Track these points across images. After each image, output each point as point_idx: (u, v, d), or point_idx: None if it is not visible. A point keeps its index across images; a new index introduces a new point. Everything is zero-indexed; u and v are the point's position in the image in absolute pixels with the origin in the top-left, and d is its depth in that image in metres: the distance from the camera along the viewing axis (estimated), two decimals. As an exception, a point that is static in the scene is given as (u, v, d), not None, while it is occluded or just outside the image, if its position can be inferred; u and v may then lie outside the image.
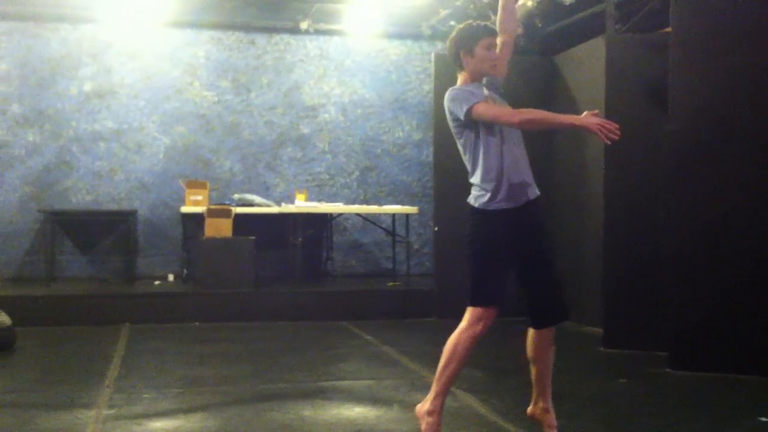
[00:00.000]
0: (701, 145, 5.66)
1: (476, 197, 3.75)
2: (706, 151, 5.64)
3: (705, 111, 5.65)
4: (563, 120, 3.79)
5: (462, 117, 3.67)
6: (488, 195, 3.70)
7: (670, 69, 5.76)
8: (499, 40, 3.88)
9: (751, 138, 5.54)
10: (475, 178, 3.75)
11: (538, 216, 3.79)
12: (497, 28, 3.91)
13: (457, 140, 3.86)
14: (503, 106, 3.75)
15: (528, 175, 3.77)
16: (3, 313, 6.37)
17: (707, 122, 5.64)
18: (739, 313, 5.51)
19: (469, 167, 3.82)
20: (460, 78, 3.88)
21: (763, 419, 4.44)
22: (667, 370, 5.68)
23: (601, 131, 3.46)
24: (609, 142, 3.51)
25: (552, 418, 3.86)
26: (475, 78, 3.82)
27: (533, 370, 3.84)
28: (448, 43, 3.90)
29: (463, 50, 3.80)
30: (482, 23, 3.86)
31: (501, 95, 3.85)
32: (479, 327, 3.65)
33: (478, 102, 3.64)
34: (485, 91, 3.75)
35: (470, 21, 3.93)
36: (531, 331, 3.82)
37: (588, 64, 7.58)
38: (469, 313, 3.69)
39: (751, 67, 5.55)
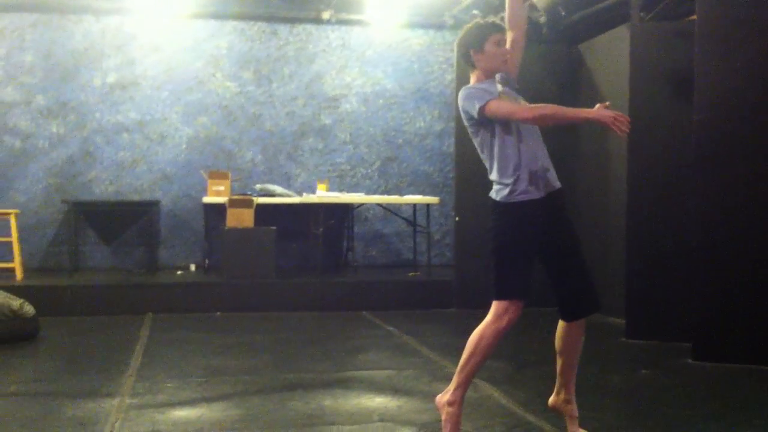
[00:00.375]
0: (727, 134, 5.59)
1: (497, 191, 3.72)
2: (732, 140, 5.58)
3: (731, 100, 5.59)
4: (577, 114, 3.78)
5: (476, 115, 3.65)
6: (509, 188, 3.67)
7: (696, 58, 5.70)
8: (508, 36, 3.85)
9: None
10: (494, 174, 3.74)
11: (562, 207, 3.76)
12: (506, 25, 3.88)
13: (473, 139, 3.84)
14: (518, 101, 3.72)
15: (548, 166, 3.74)
16: (27, 304, 6.43)
17: (733, 111, 5.58)
18: (763, 304, 5.45)
19: (487, 165, 3.81)
20: (473, 77, 3.85)
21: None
22: (690, 361, 5.64)
23: (614, 124, 3.45)
24: (622, 135, 3.51)
25: (574, 409, 3.84)
26: (487, 75, 3.79)
27: (559, 361, 3.82)
28: (456, 43, 3.88)
29: (473, 49, 3.77)
30: (490, 20, 3.83)
31: (516, 90, 3.82)
32: (504, 321, 3.62)
33: (491, 99, 3.62)
34: (500, 87, 3.73)
35: (477, 19, 3.90)
36: (561, 323, 3.79)
37: (612, 52, 7.51)
38: (494, 307, 3.66)
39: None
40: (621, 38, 7.16)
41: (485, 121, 3.67)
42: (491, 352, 3.68)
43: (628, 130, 3.46)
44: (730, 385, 5.02)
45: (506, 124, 3.66)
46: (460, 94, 3.75)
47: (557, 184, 3.74)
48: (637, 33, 6.65)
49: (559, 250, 3.72)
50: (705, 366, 5.50)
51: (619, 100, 7.04)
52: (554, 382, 3.87)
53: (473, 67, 3.82)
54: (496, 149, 3.71)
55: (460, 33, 3.86)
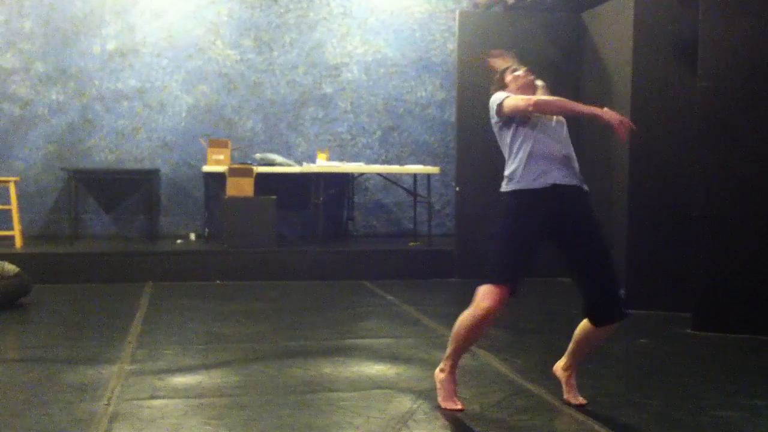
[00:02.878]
0: (732, 102, 5.55)
1: (503, 183, 3.79)
2: (737, 108, 5.54)
3: (736, 67, 5.54)
4: (583, 109, 3.85)
5: (496, 115, 3.78)
6: (507, 178, 3.76)
7: (700, 25, 5.64)
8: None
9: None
10: (505, 169, 3.79)
11: (581, 206, 3.76)
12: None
13: (500, 143, 3.90)
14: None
15: (564, 163, 3.72)
16: (7, 264, 6.34)
17: (738, 79, 5.54)
18: (764, 274, 5.44)
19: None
20: None
21: (788, 381, 4.41)
22: (690, 331, 5.64)
23: (619, 127, 3.57)
24: (623, 140, 3.70)
25: (572, 377, 3.86)
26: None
27: (573, 344, 3.86)
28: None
29: (494, 86, 4.03)
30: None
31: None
32: (481, 308, 3.60)
33: (508, 96, 3.74)
34: (539, 82, 3.95)
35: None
36: (585, 321, 3.79)
37: (616, 20, 7.43)
38: (476, 292, 3.67)
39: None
40: (625, 6, 7.08)
41: (507, 122, 3.77)
42: (473, 337, 3.74)
43: (628, 138, 3.64)
44: (729, 355, 5.03)
45: (524, 122, 3.74)
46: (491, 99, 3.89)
47: (572, 181, 3.73)
48: (641, 1, 6.58)
49: (576, 250, 3.73)
50: (705, 336, 5.50)
51: (623, 68, 6.99)
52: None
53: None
54: (510, 145, 3.79)
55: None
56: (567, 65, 8.13)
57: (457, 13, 8.32)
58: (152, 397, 3.96)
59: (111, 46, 9.10)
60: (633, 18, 6.60)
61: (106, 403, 3.84)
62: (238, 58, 9.37)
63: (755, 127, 5.49)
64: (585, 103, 8.04)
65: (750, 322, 5.45)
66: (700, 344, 5.32)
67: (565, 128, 3.85)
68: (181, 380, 4.31)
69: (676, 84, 6.31)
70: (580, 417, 3.71)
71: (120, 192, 9.14)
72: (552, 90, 4.11)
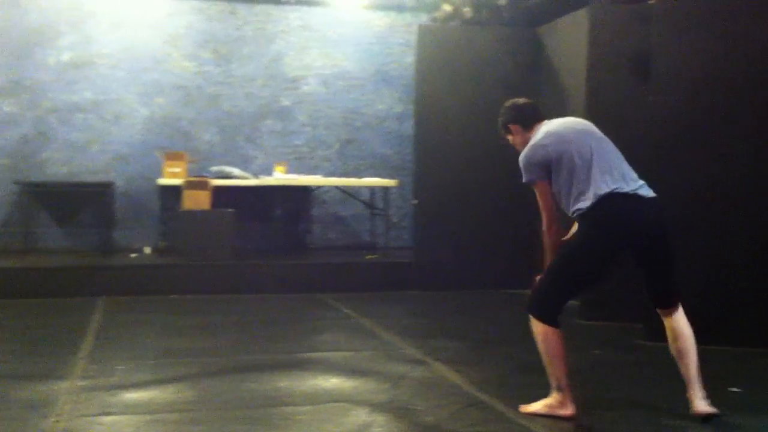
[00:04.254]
0: (685, 115, 5.65)
1: None
2: (689, 121, 5.64)
3: (688, 82, 5.65)
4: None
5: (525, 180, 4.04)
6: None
7: (654, 40, 5.74)
8: None
9: (734, 109, 5.54)
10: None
11: None
12: None
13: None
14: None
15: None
16: None
17: (691, 93, 5.64)
18: (712, 285, 5.53)
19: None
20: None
21: (734, 390, 4.48)
22: (641, 341, 5.71)
23: None
24: None
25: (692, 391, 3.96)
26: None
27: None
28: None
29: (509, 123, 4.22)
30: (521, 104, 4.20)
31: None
32: None
33: (538, 180, 3.97)
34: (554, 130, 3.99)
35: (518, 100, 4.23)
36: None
37: (571, 35, 7.53)
38: None
39: (734, 37, 5.53)
40: (580, 21, 7.19)
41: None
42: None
43: None
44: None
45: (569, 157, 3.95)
46: (523, 154, 4.03)
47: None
48: (596, 16, 6.69)
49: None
50: (656, 346, 5.53)
51: (578, 81, 7.08)
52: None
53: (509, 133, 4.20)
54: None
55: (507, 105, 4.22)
56: (524, 79, 8.21)
57: (416, 27, 8.36)
58: (103, 414, 3.90)
59: (66, 57, 8.99)
60: (588, 33, 6.70)
61: (55, 419, 3.78)
62: (196, 70, 9.31)
63: (706, 140, 5.59)
64: (543, 109, 8.19)
65: (701, 333, 5.48)
66: (650, 355, 5.38)
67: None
68: (133, 396, 4.25)
69: (630, 97, 6.40)
70: (535, 429, 3.73)
71: (74, 205, 9.01)
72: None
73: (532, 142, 4.01)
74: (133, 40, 9.13)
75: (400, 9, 9.76)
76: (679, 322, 4.01)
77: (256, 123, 9.48)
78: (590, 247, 3.84)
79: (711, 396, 3.95)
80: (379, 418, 3.83)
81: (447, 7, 8.70)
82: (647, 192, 3.91)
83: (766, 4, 5.55)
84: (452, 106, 8.15)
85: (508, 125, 4.17)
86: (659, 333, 5.56)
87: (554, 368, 3.85)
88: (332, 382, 4.57)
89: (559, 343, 3.84)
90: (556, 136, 3.94)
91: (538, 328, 3.86)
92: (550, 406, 3.89)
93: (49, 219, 8.98)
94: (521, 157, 4.02)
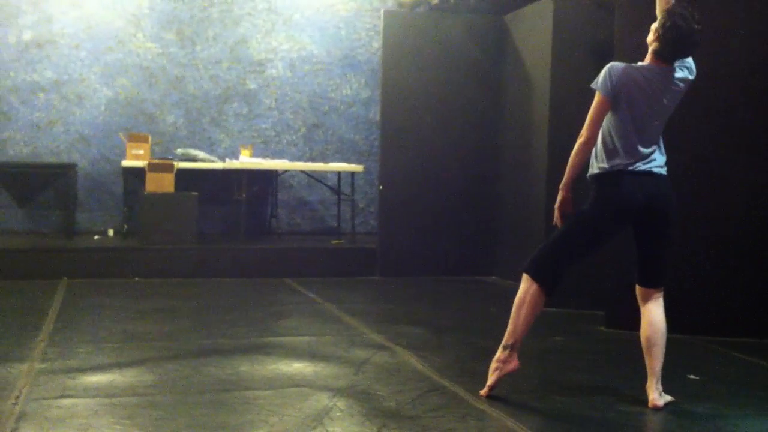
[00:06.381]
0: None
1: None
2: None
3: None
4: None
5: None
6: None
7: (616, 29, 5.79)
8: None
9: (695, 99, 5.59)
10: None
11: None
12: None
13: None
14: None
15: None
16: None
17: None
18: (674, 275, 5.59)
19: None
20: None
21: (692, 377, 4.56)
22: (602, 328, 5.79)
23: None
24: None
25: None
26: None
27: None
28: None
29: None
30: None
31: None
32: None
33: (605, 94, 3.95)
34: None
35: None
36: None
37: (536, 24, 7.56)
38: None
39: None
40: (545, 10, 7.22)
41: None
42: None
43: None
44: (640, 352, 5.12)
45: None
46: (614, 63, 4.03)
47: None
48: (561, 5, 6.75)
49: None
50: (616, 333, 5.64)
51: (543, 69, 7.13)
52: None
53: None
54: None
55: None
56: (490, 66, 8.25)
57: (382, 12, 8.34)
58: (62, 396, 3.86)
59: (27, 36, 8.84)
60: (552, 21, 6.76)
61: (13, 402, 3.74)
62: (160, 51, 9.21)
63: (666, 129, 5.64)
64: (507, 103, 8.24)
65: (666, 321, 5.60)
66: (611, 342, 5.46)
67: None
68: (92, 379, 4.22)
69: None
70: (494, 414, 3.77)
71: (35, 186, 8.88)
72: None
73: (637, 63, 3.98)
74: (95, 20, 8.99)
75: (367, -7, 9.73)
76: (656, 313, 4.05)
77: (222, 106, 9.41)
78: (597, 217, 3.98)
79: (669, 383, 4.01)
80: (340, 403, 3.85)
81: (414, -7, 8.69)
82: (659, 170, 3.99)
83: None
84: (419, 92, 8.16)
85: (658, 32, 3.90)
86: (620, 320, 5.68)
87: (517, 327, 3.97)
88: (294, 367, 4.57)
89: (537, 307, 3.97)
90: (642, 82, 3.91)
91: (526, 284, 3.98)
92: (498, 362, 4.00)
93: (10, 200, 8.85)
94: (611, 63, 3.99)
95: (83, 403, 3.77)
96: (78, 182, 8.99)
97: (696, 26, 3.80)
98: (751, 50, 5.60)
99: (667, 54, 3.87)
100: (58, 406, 3.71)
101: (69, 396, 3.88)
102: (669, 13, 3.84)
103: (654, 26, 3.94)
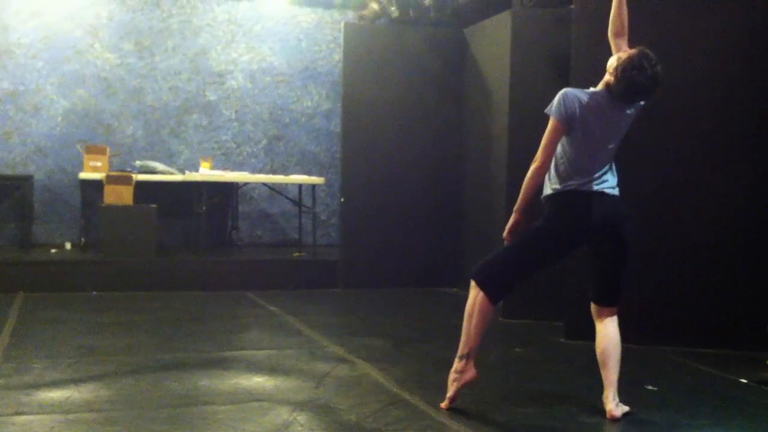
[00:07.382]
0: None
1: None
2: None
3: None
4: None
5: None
6: None
7: (573, 44, 5.86)
8: (615, 44, 4.09)
9: (652, 112, 5.68)
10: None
11: None
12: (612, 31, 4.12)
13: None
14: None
15: None
16: None
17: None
18: (630, 284, 5.66)
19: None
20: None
21: (650, 387, 4.61)
22: (562, 339, 5.83)
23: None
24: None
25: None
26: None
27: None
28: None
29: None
30: None
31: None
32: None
33: (558, 119, 4.01)
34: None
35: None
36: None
37: (496, 37, 7.62)
38: None
39: (650, 43, 5.67)
40: (504, 24, 7.29)
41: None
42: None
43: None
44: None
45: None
46: (568, 89, 4.10)
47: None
48: (519, 19, 6.83)
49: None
50: (576, 344, 5.68)
51: (502, 82, 7.19)
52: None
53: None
54: None
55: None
56: (450, 78, 8.29)
57: (343, 24, 8.36)
58: (17, 413, 3.79)
59: (-18, 46, 8.71)
60: (510, 34, 6.83)
61: (-35, 421, 3.66)
62: (118, 62, 9.13)
63: (626, 139, 5.72)
64: (468, 114, 8.31)
65: (623, 332, 5.66)
66: (570, 352, 5.51)
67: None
68: (48, 395, 4.15)
69: (552, 97, 6.50)
70: (454, 426, 3.77)
71: (-9, 198, 8.75)
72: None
73: (588, 89, 4.03)
74: (52, 30, 8.89)
75: (327, 6, 9.73)
76: (611, 327, 4.11)
77: (181, 117, 9.34)
78: (550, 233, 4.00)
79: (628, 393, 4.05)
80: (301, 417, 3.83)
81: (374, 6, 8.72)
82: (612, 190, 4.03)
83: (682, 7, 5.71)
84: (380, 104, 8.19)
85: (617, 75, 3.91)
86: (579, 331, 5.73)
87: (470, 337, 3.99)
88: (254, 381, 4.54)
89: (486, 315, 3.98)
90: (595, 108, 3.95)
91: (473, 291, 3.99)
92: (456, 372, 4.03)
93: (-37, 213, 8.70)
94: (564, 90, 4.05)
95: (38, 420, 3.70)
96: (35, 194, 8.85)
97: (655, 72, 3.85)
98: (737, 55, 5.65)
99: (623, 100, 3.95)
100: (13, 424, 3.64)
101: (24, 413, 3.81)
102: (629, 63, 3.85)
103: (613, 63, 3.96)
